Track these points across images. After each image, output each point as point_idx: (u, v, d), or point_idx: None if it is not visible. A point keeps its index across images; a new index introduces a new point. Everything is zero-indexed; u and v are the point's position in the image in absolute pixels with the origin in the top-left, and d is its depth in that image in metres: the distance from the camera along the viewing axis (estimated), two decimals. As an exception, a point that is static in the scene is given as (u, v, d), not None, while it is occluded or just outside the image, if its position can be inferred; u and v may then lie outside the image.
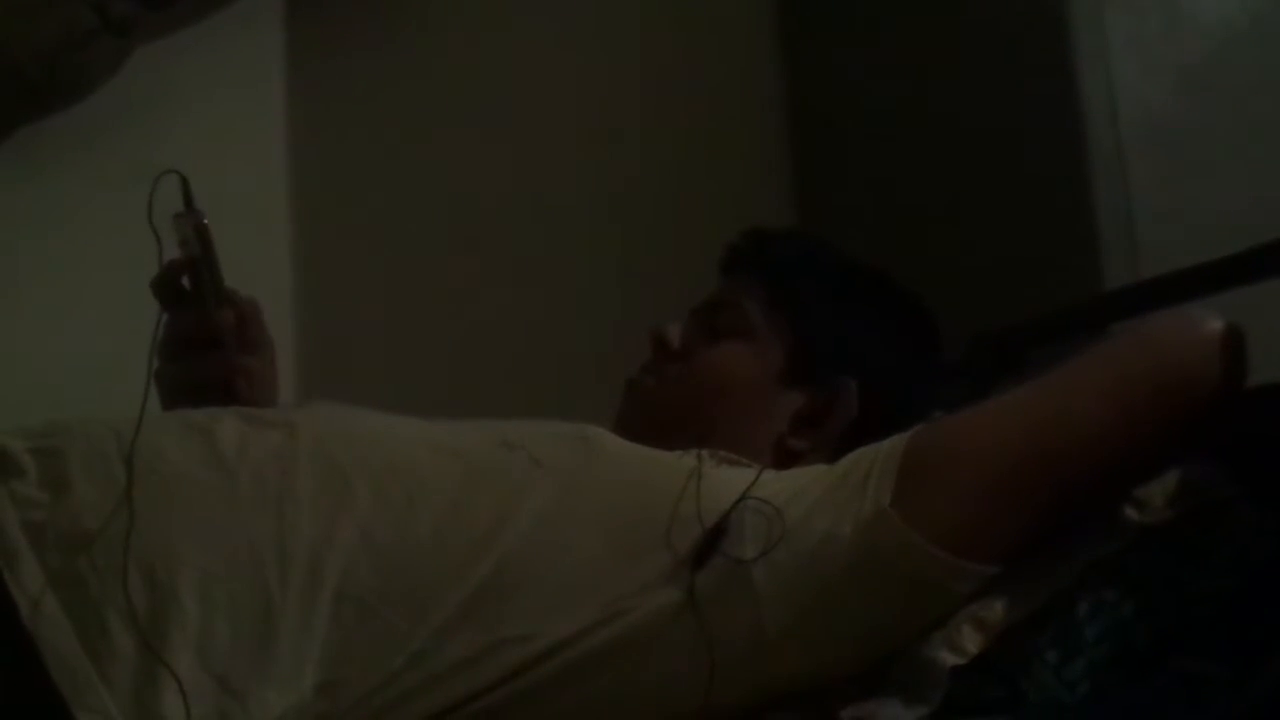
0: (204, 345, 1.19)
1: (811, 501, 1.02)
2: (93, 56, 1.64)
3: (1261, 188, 1.60)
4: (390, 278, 1.88)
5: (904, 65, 1.91)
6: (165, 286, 1.18)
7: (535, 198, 1.95)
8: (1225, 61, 1.68)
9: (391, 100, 1.91)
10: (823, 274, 1.34)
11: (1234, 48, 1.69)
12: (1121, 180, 1.61)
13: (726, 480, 1.04)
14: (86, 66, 1.64)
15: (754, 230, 1.41)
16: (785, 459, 1.22)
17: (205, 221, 1.15)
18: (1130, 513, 1.04)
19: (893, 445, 1.05)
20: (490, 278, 1.92)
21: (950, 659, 0.99)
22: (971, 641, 0.99)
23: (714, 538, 1.00)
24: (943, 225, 1.78)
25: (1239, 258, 1.25)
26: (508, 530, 1.00)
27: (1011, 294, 1.65)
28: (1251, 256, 1.24)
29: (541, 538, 1.00)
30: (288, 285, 1.80)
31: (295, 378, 1.69)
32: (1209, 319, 1.06)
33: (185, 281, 1.18)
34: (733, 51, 2.15)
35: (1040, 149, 1.69)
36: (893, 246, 1.53)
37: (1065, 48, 1.65)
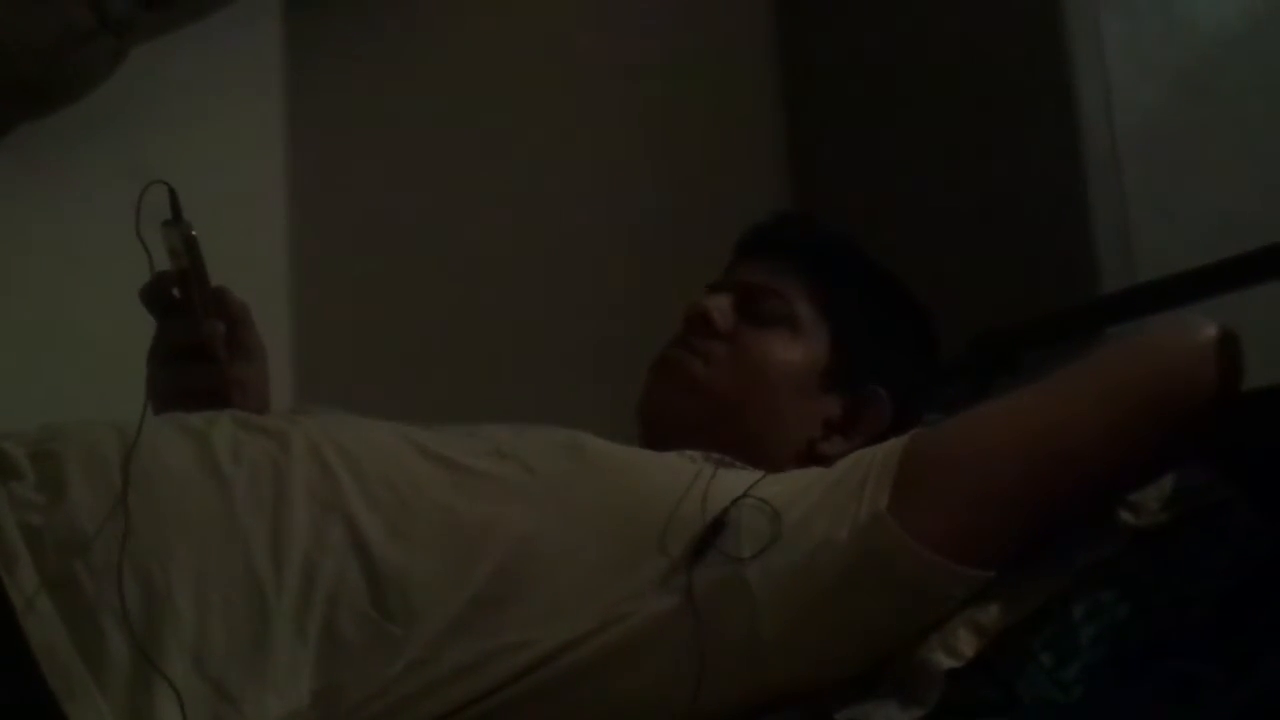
0: (195, 355, 1.19)
1: (809, 505, 1.02)
2: (90, 55, 1.64)
3: (1258, 190, 1.61)
4: (388, 278, 1.88)
5: (902, 66, 1.91)
6: (155, 297, 1.18)
7: (533, 197, 1.95)
8: (1221, 64, 1.68)
9: (390, 100, 1.91)
10: (862, 280, 1.33)
11: (1229, 50, 1.69)
12: (1118, 183, 1.61)
13: (725, 481, 1.04)
14: (84, 65, 1.64)
15: (787, 216, 1.39)
16: (812, 463, 1.19)
17: (194, 233, 1.13)
18: (1125, 516, 1.05)
19: (890, 449, 1.05)
20: (488, 278, 1.92)
21: (946, 661, 0.99)
22: (967, 644, 1.00)
23: (712, 533, 1.00)
24: (940, 227, 1.78)
25: (1235, 261, 1.26)
26: (502, 539, 1.00)
27: (1009, 296, 1.65)
28: (1248, 260, 1.24)
29: (536, 546, 1.00)
30: (285, 286, 1.80)
31: (291, 380, 1.69)
32: (1204, 325, 1.06)
33: (175, 291, 1.18)
34: (731, 49, 2.15)
35: (1037, 151, 1.69)
36: (890, 248, 1.53)
37: (1061, 50, 1.65)
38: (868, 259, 1.36)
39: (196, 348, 1.19)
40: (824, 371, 1.27)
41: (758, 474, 1.06)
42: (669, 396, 1.26)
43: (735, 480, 1.05)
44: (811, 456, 1.22)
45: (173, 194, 1.12)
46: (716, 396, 1.24)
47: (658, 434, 1.23)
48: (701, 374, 1.25)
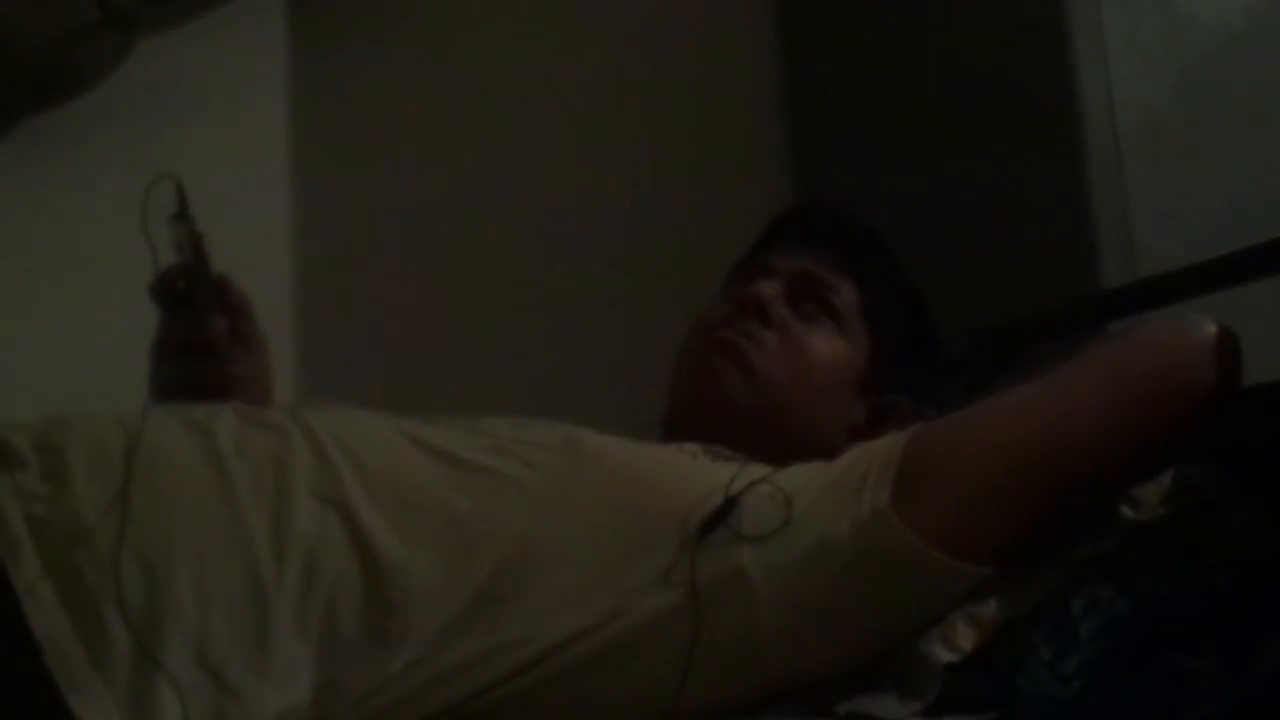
0: (198, 351, 1.19)
1: (811, 500, 1.03)
2: (95, 50, 1.64)
3: (1258, 187, 1.61)
4: (391, 273, 1.88)
5: (904, 63, 1.91)
6: (162, 290, 1.19)
7: (536, 196, 1.96)
8: (1222, 62, 1.68)
9: (394, 97, 1.91)
10: (899, 287, 1.33)
11: (1231, 48, 1.69)
12: (1119, 179, 1.61)
13: (747, 470, 1.04)
14: (89, 60, 1.65)
15: (824, 206, 1.39)
16: None
17: (199, 229, 1.14)
18: (1125, 510, 1.05)
19: (891, 445, 1.05)
20: (491, 274, 1.92)
21: (945, 655, 0.99)
22: (966, 638, 1.00)
23: (724, 510, 1.00)
24: (942, 222, 1.78)
25: (1235, 257, 1.26)
26: (502, 536, 1.01)
27: (1009, 291, 1.65)
28: (1248, 256, 1.25)
29: (536, 542, 1.01)
30: (288, 282, 1.81)
31: (295, 375, 1.69)
32: (1204, 323, 1.07)
33: (181, 284, 1.19)
34: (733, 48, 2.15)
35: (1039, 148, 1.69)
36: (891, 243, 1.53)
37: (1064, 48, 1.65)
38: (907, 276, 1.36)
39: (199, 343, 1.19)
40: (859, 375, 1.27)
41: (765, 466, 1.06)
42: (726, 375, 1.23)
43: (752, 470, 1.05)
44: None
45: (180, 189, 1.12)
46: (768, 387, 1.23)
47: (697, 415, 1.23)
48: (758, 361, 1.24)
